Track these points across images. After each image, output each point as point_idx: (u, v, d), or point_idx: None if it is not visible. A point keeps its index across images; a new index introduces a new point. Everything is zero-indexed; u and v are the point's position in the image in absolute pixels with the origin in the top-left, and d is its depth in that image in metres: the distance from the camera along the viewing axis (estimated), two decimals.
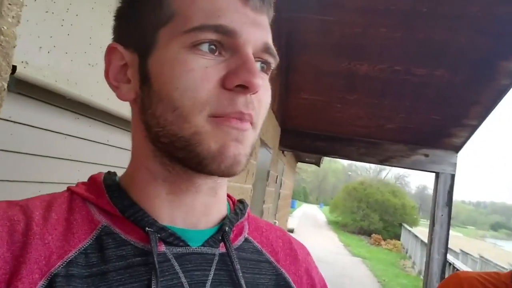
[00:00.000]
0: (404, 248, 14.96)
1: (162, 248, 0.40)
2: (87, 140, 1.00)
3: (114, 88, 0.43)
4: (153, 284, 0.37)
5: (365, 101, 3.49)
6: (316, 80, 3.35)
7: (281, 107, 3.77)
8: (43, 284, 0.35)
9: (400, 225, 18.95)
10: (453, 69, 2.79)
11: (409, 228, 15.14)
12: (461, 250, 12.96)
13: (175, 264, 0.40)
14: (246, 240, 0.48)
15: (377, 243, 16.42)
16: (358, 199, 21.94)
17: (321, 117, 3.89)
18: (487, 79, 2.76)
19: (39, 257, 0.36)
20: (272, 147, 3.95)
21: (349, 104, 3.49)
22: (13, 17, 0.54)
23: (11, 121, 0.72)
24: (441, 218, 3.80)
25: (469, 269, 7.31)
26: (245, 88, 0.38)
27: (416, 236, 11.99)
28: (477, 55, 2.61)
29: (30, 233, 0.37)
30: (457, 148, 3.98)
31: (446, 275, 3.78)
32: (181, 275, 0.40)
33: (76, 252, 0.37)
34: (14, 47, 0.55)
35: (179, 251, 0.41)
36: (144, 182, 0.43)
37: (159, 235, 0.40)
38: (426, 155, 4.02)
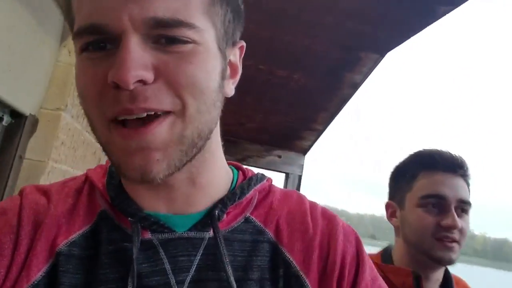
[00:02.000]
0: None
1: (148, 235, 0.43)
2: None
3: None
4: (130, 272, 0.40)
5: (228, 98, 3.45)
6: None
7: None
8: (51, 261, 0.41)
9: None
10: (309, 75, 3.02)
11: None
12: None
13: (160, 250, 0.43)
14: (246, 220, 0.47)
15: None
16: None
17: None
18: (334, 87, 3.08)
19: (50, 237, 0.42)
20: None
21: None
22: None
23: None
24: None
25: None
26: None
27: None
28: (329, 64, 2.88)
29: (49, 215, 0.43)
30: (304, 151, 4.40)
31: None
32: (165, 261, 0.42)
33: (78, 234, 0.43)
34: None
35: (165, 237, 0.43)
36: None
37: (142, 224, 0.43)
38: (279, 157, 4.29)
